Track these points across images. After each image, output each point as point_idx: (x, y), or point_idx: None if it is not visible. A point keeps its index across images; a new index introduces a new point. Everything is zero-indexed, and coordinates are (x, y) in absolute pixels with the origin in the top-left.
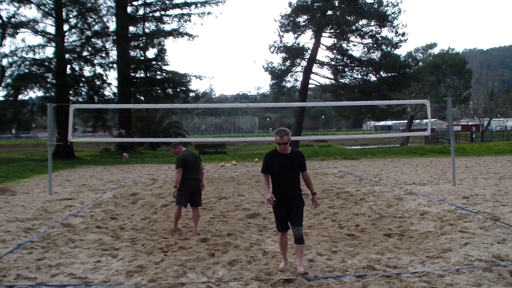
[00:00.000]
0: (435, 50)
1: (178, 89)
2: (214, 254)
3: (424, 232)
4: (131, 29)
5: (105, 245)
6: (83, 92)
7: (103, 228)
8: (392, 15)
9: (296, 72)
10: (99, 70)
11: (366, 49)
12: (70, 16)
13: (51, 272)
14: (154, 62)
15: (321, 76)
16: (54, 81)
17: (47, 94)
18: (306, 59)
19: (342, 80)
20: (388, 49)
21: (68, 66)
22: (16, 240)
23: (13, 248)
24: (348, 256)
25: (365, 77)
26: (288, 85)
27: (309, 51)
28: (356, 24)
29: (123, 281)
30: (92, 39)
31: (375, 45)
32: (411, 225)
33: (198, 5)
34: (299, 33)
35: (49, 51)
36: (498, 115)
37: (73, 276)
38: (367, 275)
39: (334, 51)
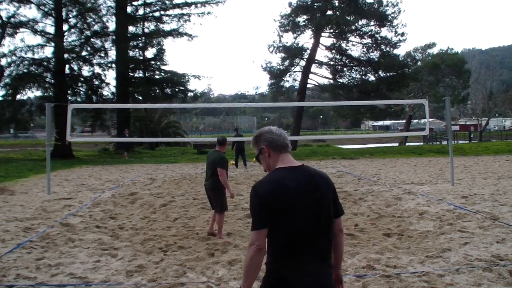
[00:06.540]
0: (434, 50)
1: (176, 89)
2: (214, 253)
3: (423, 232)
4: (131, 29)
5: (104, 245)
6: (81, 92)
7: (102, 228)
8: (392, 15)
9: (294, 72)
10: (97, 70)
11: (365, 49)
12: (70, 16)
13: (50, 271)
14: (153, 62)
15: (320, 76)
16: (52, 81)
17: (45, 94)
18: (305, 59)
19: (341, 80)
20: (387, 49)
21: (67, 66)
22: (15, 240)
23: (12, 247)
24: (347, 256)
25: (363, 77)
26: (287, 85)
27: (308, 51)
28: (356, 24)
29: (123, 280)
30: (91, 39)
31: (374, 45)
32: (410, 224)
33: (198, 5)
34: (299, 33)
35: (48, 51)
36: (497, 114)
37: (73, 275)
38: (367, 275)
39: (333, 51)
